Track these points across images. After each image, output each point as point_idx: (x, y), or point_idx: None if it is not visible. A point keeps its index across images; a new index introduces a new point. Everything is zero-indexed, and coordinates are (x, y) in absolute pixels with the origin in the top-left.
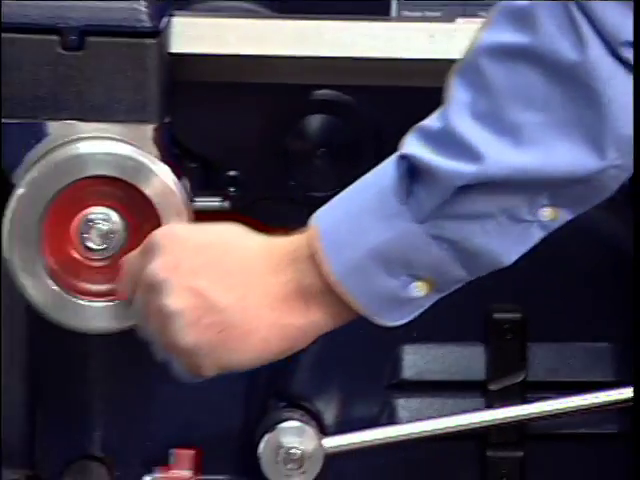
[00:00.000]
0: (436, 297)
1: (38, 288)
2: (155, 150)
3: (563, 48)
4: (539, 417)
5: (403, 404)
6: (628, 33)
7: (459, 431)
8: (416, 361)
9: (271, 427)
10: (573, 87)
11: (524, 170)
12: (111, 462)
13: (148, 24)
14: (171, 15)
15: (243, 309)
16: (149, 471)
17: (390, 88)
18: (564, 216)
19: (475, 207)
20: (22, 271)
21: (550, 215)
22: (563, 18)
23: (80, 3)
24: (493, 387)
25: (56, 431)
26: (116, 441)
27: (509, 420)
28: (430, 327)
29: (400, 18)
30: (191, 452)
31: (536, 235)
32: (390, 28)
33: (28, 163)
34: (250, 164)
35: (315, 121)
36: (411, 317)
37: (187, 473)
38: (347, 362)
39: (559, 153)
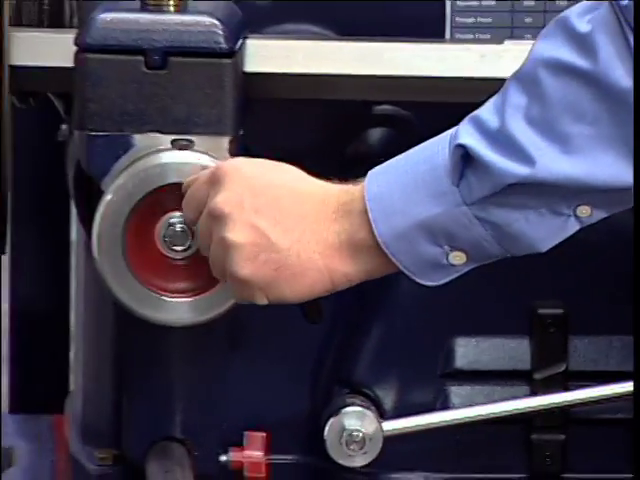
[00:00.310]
0: (472, 266)
1: (124, 286)
2: (230, 159)
3: (618, 75)
4: (579, 403)
5: (455, 391)
6: None
7: (506, 416)
8: (467, 352)
9: (335, 412)
10: (622, 109)
11: (570, 177)
12: (190, 443)
13: (224, 45)
14: (245, 37)
15: (298, 252)
16: (225, 452)
17: (443, 104)
18: (599, 214)
19: (521, 200)
20: (109, 270)
21: (587, 212)
22: (620, 45)
23: (163, 26)
24: (537, 376)
25: (141, 414)
26: (195, 424)
27: (552, 406)
28: (480, 321)
29: (453, 40)
30: (262, 434)
31: (572, 228)
32: (444, 49)
33: (115, 172)
34: (315, 171)
35: (375, 133)
36: (447, 280)
37: (259, 454)
38: (404, 353)
39: (603, 165)
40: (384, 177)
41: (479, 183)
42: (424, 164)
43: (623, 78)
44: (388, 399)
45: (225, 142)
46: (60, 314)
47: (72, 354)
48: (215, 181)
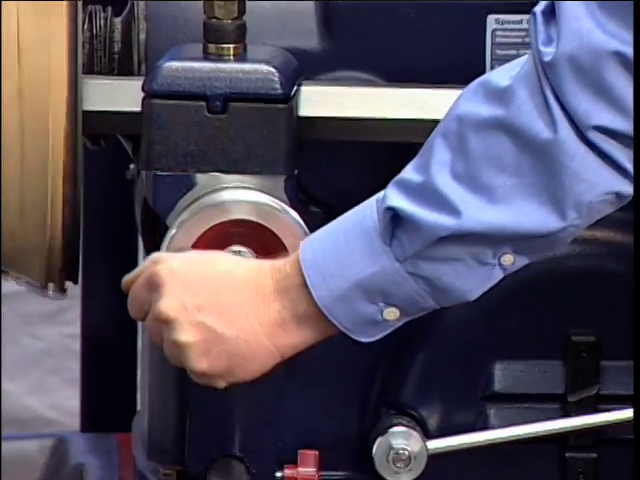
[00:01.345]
0: (404, 320)
1: None
2: (285, 197)
3: (537, 127)
4: (610, 424)
5: (495, 412)
6: (598, 118)
7: (542, 436)
8: (506, 376)
9: (383, 431)
10: (542, 159)
11: (496, 225)
12: (248, 460)
13: (280, 91)
14: (299, 83)
15: (245, 338)
16: (280, 469)
17: None
18: (521, 262)
19: (449, 253)
20: None
21: (510, 261)
22: (539, 100)
23: (223, 74)
24: (571, 398)
25: (202, 433)
26: (253, 442)
27: (584, 426)
28: (518, 347)
29: None
30: (315, 452)
31: (496, 277)
32: None
33: (179, 208)
34: None
35: None
36: (381, 336)
37: (311, 471)
38: (447, 377)
39: (526, 213)
40: (317, 244)
41: (410, 240)
42: (354, 229)
43: (543, 130)
44: (432, 420)
45: (281, 181)
46: (128, 339)
47: (139, 376)
48: (154, 286)
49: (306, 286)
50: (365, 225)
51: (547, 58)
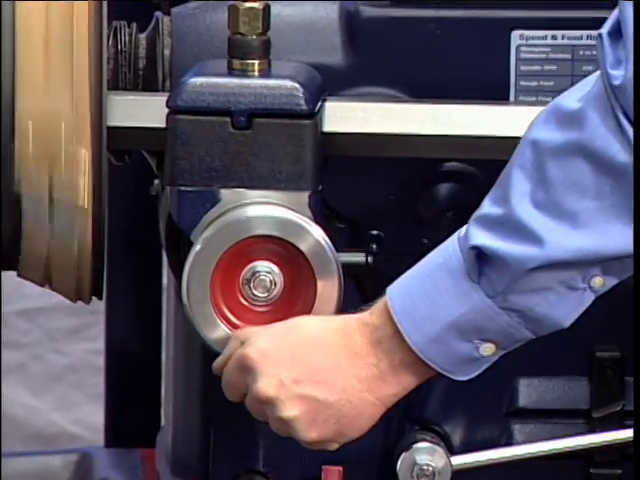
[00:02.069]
0: (501, 354)
1: (210, 328)
2: (309, 213)
3: (613, 150)
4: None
5: (519, 428)
6: None
7: (567, 452)
8: (530, 392)
9: (407, 447)
10: (622, 181)
11: (582, 250)
12: (272, 476)
13: (305, 107)
14: (324, 99)
15: (347, 399)
16: None
17: (508, 161)
18: (611, 282)
19: (538, 283)
20: (197, 314)
21: (600, 283)
22: (612, 123)
23: (248, 90)
24: (596, 414)
25: (226, 448)
26: (277, 458)
27: (609, 442)
28: (542, 363)
29: (517, 102)
30: (339, 468)
31: (588, 300)
32: (508, 111)
33: (203, 224)
34: (389, 225)
35: (444, 189)
36: (479, 372)
37: None
38: (471, 393)
39: (612, 235)
40: (404, 290)
41: (498, 276)
42: (440, 270)
43: (619, 153)
44: (456, 436)
45: (305, 197)
46: (152, 354)
47: (163, 391)
48: (247, 370)
49: (399, 334)
50: (450, 265)
51: (617, 82)
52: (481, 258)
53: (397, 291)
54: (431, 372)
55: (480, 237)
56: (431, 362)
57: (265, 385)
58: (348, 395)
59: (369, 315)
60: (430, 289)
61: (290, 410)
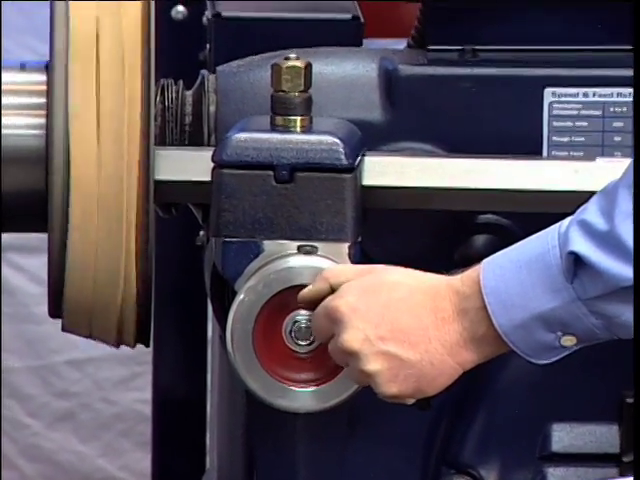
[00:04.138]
0: (581, 346)
1: (254, 377)
2: (350, 263)
3: None
4: None
5: (552, 472)
6: None
7: None
8: (562, 437)
9: None
10: None
11: None
12: None
13: (345, 162)
14: (363, 154)
15: (429, 360)
16: None
17: (541, 214)
18: None
19: (629, 298)
20: (241, 363)
21: None
22: None
23: (290, 145)
24: (626, 459)
25: None
26: None
27: None
28: (574, 409)
29: (549, 157)
30: None
31: None
32: (541, 165)
33: (247, 274)
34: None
35: (479, 240)
36: (558, 358)
37: None
38: (506, 437)
39: None
40: (499, 272)
41: (592, 283)
42: (537, 262)
43: None
44: (491, 478)
45: (345, 248)
46: (198, 401)
47: (208, 437)
48: (335, 321)
49: (486, 310)
50: (547, 261)
51: None
52: (578, 262)
53: (492, 270)
54: (507, 349)
55: (581, 245)
56: (513, 345)
57: (351, 338)
58: (430, 357)
59: (460, 282)
60: (525, 279)
61: (373, 364)
